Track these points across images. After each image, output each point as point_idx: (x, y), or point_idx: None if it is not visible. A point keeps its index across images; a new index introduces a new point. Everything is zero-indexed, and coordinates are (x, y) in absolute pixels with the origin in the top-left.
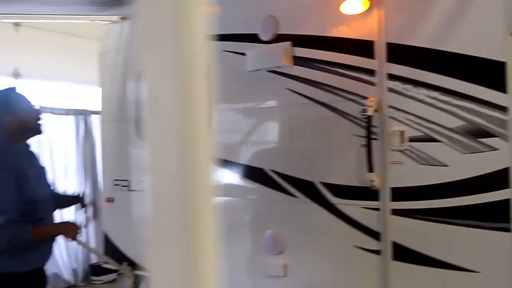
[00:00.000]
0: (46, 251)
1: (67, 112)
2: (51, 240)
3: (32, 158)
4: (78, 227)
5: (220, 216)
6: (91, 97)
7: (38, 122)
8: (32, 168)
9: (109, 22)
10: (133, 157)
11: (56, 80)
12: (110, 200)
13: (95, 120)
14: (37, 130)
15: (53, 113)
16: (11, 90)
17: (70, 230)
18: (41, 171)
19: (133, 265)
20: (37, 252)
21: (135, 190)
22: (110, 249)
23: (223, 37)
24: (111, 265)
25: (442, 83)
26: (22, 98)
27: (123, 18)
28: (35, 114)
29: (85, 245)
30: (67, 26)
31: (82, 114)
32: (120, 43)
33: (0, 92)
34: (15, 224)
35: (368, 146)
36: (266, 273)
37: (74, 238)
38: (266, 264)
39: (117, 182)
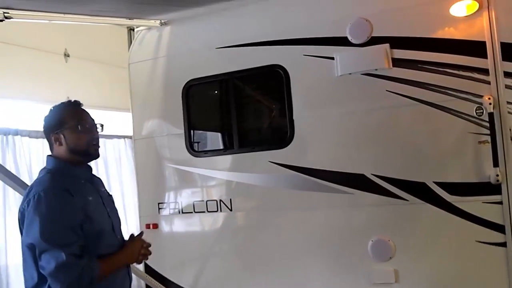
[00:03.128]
0: (123, 279)
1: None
2: (119, 272)
3: (89, 185)
4: (141, 247)
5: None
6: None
7: (93, 142)
8: (92, 196)
9: (146, 27)
10: (182, 175)
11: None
12: (154, 226)
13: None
14: (89, 153)
15: None
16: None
17: (133, 253)
18: (105, 199)
19: None
20: (115, 283)
21: (187, 213)
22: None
23: (304, 41)
24: None
25: None
26: (75, 116)
27: (163, 23)
28: (87, 134)
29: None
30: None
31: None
32: (159, 51)
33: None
34: (80, 260)
35: (493, 142)
36: (374, 281)
37: (141, 261)
38: (373, 272)
39: (162, 206)
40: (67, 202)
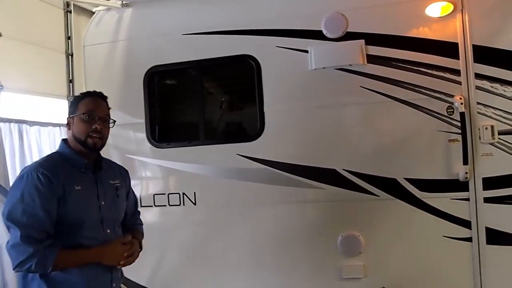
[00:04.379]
0: (97, 283)
1: None
2: (98, 268)
3: (90, 174)
4: (121, 250)
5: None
6: None
7: (91, 133)
8: (84, 185)
9: (105, 8)
10: (142, 167)
11: None
12: None
13: (5, 129)
14: (86, 145)
15: None
16: (78, 96)
17: (110, 255)
18: (105, 191)
19: None
20: (78, 284)
21: (146, 206)
22: None
23: (277, 33)
24: None
25: None
26: (87, 105)
27: (124, 5)
28: (87, 125)
29: None
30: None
31: None
32: (118, 34)
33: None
34: (36, 244)
35: (464, 140)
36: (343, 276)
37: (117, 265)
38: (342, 266)
39: None
40: (42, 187)
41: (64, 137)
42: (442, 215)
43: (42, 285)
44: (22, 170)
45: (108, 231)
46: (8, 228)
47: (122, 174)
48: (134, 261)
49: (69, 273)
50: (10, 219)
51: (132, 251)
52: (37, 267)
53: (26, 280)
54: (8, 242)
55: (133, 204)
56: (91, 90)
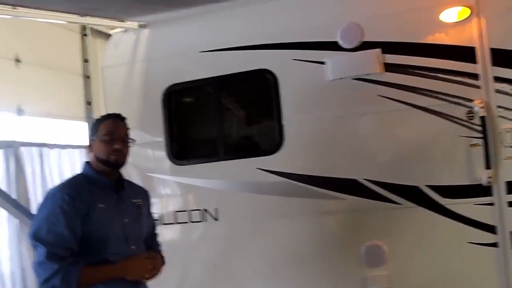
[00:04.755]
0: None
1: None
2: (123, 284)
3: (113, 193)
4: (145, 264)
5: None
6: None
7: (112, 153)
8: (108, 204)
9: (122, 29)
10: (163, 185)
11: None
12: None
13: (26, 153)
14: (109, 163)
15: None
16: (98, 119)
17: (135, 269)
18: (128, 208)
19: None
20: None
21: (168, 224)
22: None
23: (293, 46)
24: None
25: None
26: (107, 127)
27: (141, 26)
28: (108, 145)
29: None
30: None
31: (12, 147)
32: (136, 54)
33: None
34: (60, 261)
35: (485, 145)
36: (368, 287)
37: (142, 279)
38: (367, 277)
39: None
40: (66, 206)
41: (86, 159)
42: (466, 221)
43: None
44: (48, 192)
45: (133, 247)
46: (35, 247)
47: (143, 194)
48: (157, 275)
49: None
50: (36, 238)
51: (155, 264)
52: (62, 284)
53: None
54: (33, 261)
55: (151, 226)
56: (111, 110)
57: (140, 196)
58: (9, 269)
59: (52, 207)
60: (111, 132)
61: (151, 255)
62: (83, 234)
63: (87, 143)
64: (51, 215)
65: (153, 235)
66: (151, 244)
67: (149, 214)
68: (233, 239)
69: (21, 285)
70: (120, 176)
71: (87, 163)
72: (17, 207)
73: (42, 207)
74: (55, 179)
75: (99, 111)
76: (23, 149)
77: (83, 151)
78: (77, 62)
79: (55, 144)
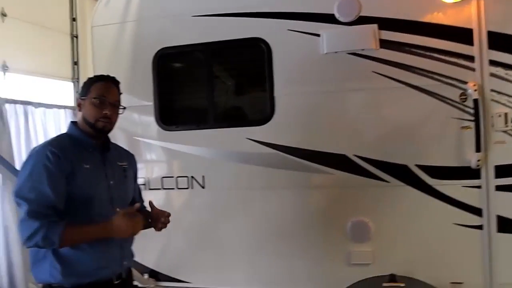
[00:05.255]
0: (107, 260)
1: None
2: (108, 245)
3: (97, 155)
4: (127, 220)
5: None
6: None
7: (100, 119)
8: (93, 165)
9: None
10: (150, 150)
11: None
12: None
13: (11, 110)
14: (95, 128)
15: None
16: (91, 79)
17: (119, 227)
18: (113, 170)
19: (155, 276)
20: (89, 260)
21: (154, 189)
22: None
23: (289, 16)
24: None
25: None
26: (99, 90)
27: None
28: (97, 109)
29: None
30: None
31: None
32: (128, 14)
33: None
34: (42, 219)
35: (477, 128)
36: (352, 262)
37: (126, 235)
38: (351, 252)
39: None
40: (50, 164)
41: (72, 119)
42: (453, 202)
43: (53, 262)
44: (32, 150)
45: (118, 209)
46: (18, 205)
47: (129, 158)
48: (139, 230)
49: (79, 250)
50: (19, 196)
51: (137, 219)
52: (44, 241)
53: (37, 257)
54: (18, 219)
55: (137, 191)
56: (99, 71)
57: (125, 160)
58: None
59: (35, 164)
60: (102, 96)
61: (129, 210)
62: (67, 193)
63: (76, 101)
64: (34, 172)
65: (139, 201)
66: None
67: (135, 179)
68: (219, 208)
69: (3, 243)
70: (106, 138)
71: (73, 123)
72: (1, 162)
73: (25, 164)
74: (40, 138)
75: (86, 72)
76: (7, 106)
77: (68, 111)
78: (65, 21)
79: (40, 103)
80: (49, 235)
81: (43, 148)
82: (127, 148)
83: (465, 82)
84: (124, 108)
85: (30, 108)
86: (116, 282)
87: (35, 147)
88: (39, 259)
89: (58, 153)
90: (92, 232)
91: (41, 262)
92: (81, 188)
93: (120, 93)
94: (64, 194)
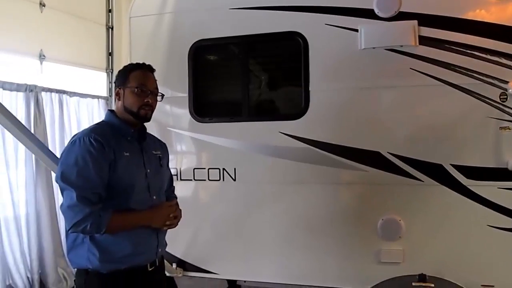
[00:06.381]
0: (144, 247)
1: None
2: (145, 233)
3: (136, 143)
4: (169, 212)
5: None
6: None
7: (143, 106)
8: (132, 153)
9: None
10: (183, 141)
11: None
12: None
13: (46, 99)
14: (139, 116)
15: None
16: (127, 67)
17: (159, 218)
18: (149, 159)
19: (182, 266)
20: (126, 247)
21: (186, 180)
22: None
23: (327, 10)
24: None
25: None
26: (139, 78)
27: None
28: (139, 98)
29: None
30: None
31: (33, 91)
32: (165, 6)
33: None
34: (91, 205)
35: None
36: (381, 260)
37: (165, 227)
38: (381, 250)
39: None
40: (94, 151)
41: (108, 107)
42: (488, 204)
43: (91, 248)
44: (74, 136)
45: (155, 197)
46: (62, 190)
47: (162, 147)
48: (177, 224)
49: (118, 236)
50: (65, 181)
51: (177, 213)
52: (92, 227)
53: (75, 243)
54: (62, 204)
55: (169, 179)
56: (136, 62)
57: (159, 149)
58: (24, 211)
59: (80, 151)
60: (142, 85)
61: (173, 203)
62: (109, 181)
63: (114, 90)
64: (80, 159)
65: (170, 188)
66: (168, 196)
67: (167, 167)
68: (249, 201)
69: (35, 228)
70: (142, 127)
71: (111, 111)
72: (43, 149)
73: (69, 151)
74: (73, 127)
75: (120, 63)
76: (43, 94)
77: (102, 101)
78: (101, 12)
79: (75, 92)
80: (98, 222)
81: (87, 135)
82: (160, 138)
83: (506, 82)
84: (163, 95)
85: (65, 97)
86: (150, 269)
87: (77, 134)
88: (77, 245)
89: (102, 141)
90: (135, 220)
91: (78, 248)
92: (123, 176)
93: (156, 80)
94: (106, 181)
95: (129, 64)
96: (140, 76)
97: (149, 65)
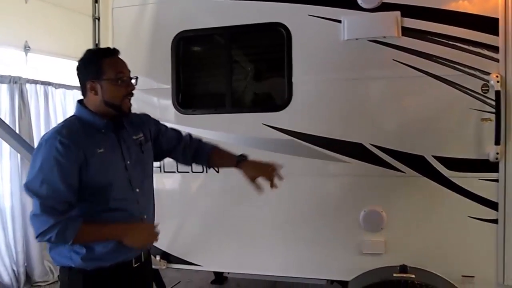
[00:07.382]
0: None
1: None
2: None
3: (111, 134)
4: (148, 235)
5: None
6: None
7: (127, 97)
8: (107, 147)
9: None
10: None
11: None
12: None
13: (31, 90)
14: (121, 110)
15: None
16: (94, 55)
17: (135, 237)
18: (129, 149)
19: (166, 258)
20: (109, 244)
21: (168, 172)
22: None
23: (310, 0)
24: None
25: None
26: (115, 66)
27: None
28: (122, 89)
29: None
30: None
31: (17, 83)
32: None
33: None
34: (58, 215)
35: (497, 120)
36: (364, 251)
37: (140, 247)
38: (363, 241)
39: None
40: (60, 157)
41: (85, 102)
42: (469, 195)
43: (73, 246)
44: (41, 138)
45: (137, 190)
46: (30, 197)
47: (144, 122)
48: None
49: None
50: (31, 190)
51: (154, 234)
52: (58, 238)
53: None
54: (31, 211)
55: (175, 136)
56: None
57: (140, 129)
58: (9, 203)
59: (45, 157)
60: (121, 73)
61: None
62: (83, 182)
63: (83, 83)
64: (45, 165)
65: (184, 138)
66: (197, 147)
67: (160, 130)
68: (233, 193)
69: (20, 220)
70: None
71: (80, 103)
72: (20, 142)
73: (35, 155)
74: (59, 119)
75: None
76: (28, 86)
77: None
78: (87, 2)
79: (60, 84)
80: (64, 233)
81: (53, 139)
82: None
83: (488, 73)
84: (137, 78)
85: (50, 88)
86: (135, 265)
87: (45, 135)
88: (57, 243)
89: (69, 143)
90: (106, 233)
91: (59, 246)
92: (97, 176)
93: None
94: (77, 186)
95: (93, 51)
96: (115, 63)
97: (114, 49)
